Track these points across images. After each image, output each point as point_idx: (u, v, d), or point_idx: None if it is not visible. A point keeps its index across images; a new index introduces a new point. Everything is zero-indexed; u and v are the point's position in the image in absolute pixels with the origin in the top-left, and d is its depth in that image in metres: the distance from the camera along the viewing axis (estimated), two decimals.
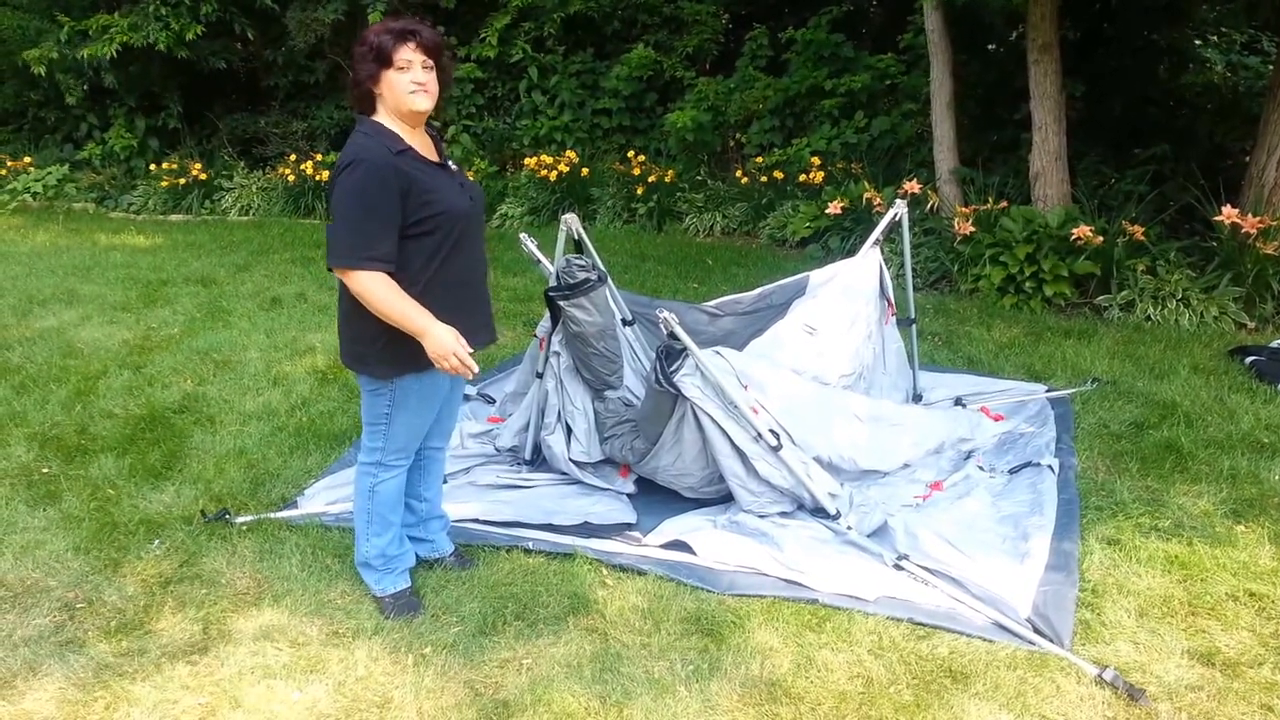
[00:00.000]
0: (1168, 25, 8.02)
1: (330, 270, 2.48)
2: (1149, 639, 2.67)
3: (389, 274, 2.45)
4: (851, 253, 6.69)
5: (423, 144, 2.60)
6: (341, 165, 2.46)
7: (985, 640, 2.67)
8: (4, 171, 11.03)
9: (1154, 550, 3.10)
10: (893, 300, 4.19)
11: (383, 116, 2.56)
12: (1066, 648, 2.62)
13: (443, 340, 2.47)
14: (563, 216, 3.58)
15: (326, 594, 2.95)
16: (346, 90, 10.26)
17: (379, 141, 2.47)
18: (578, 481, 3.63)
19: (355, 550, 2.94)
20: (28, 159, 11.23)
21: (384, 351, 2.58)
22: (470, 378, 2.57)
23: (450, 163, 2.69)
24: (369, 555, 2.88)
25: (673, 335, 3.13)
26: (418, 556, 3.07)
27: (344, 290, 2.57)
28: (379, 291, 2.43)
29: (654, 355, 3.26)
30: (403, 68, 2.48)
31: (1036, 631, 2.69)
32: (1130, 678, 2.50)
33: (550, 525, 3.30)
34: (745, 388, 3.27)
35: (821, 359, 3.72)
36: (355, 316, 2.58)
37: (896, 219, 4.13)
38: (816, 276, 4.08)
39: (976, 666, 2.56)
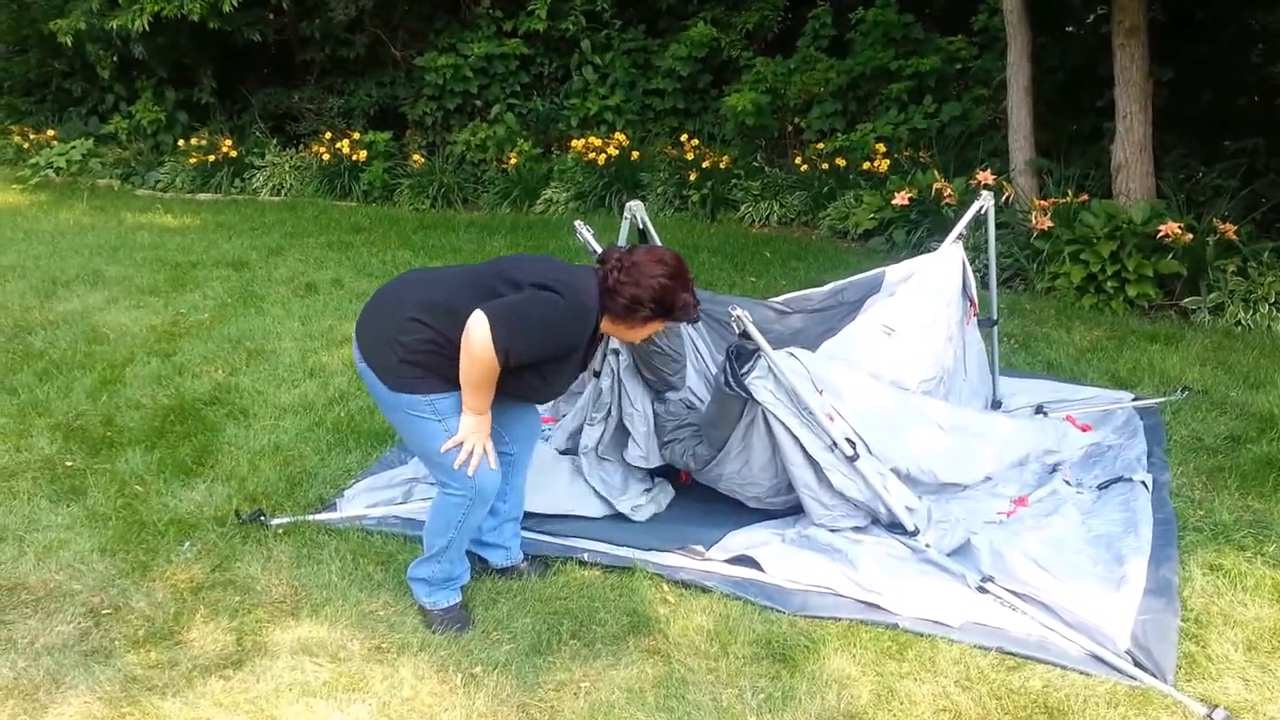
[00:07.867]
0: (1264, 9, 7.57)
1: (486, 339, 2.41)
2: (1259, 675, 2.47)
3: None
4: (918, 247, 6.47)
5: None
6: (561, 279, 2.51)
7: (1081, 673, 2.49)
8: (26, 145, 10.62)
9: (1260, 577, 2.88)
10: (975, 299, 3.94)
11: (606, 299, 2.56)
12: (1170, 683, 2.43)
13: (479, 428, 2.55)
14: (628, 204, 3.43)
15: (369, 605, 2.81)
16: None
17: (596, 308, 2.57)
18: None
19: (413, 564, 2.78)
20: (51, 132, 10.75)
21: (428, 359, 2.52)
22: (469, 474, 2.58)
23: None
24: (432, 573, 2.73)
25: (744, 334, 2.94)
26: (491, 565, 2.95)
27: (408, 302, 2.54)
28: (487, 373, 2.46)
29: (723, 355, 3.09)
30: (662, 329, 2.75)
31: (1137, 665, 2.50)
32: (1241, 719, 2.31)
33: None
34: (820, 392, 3.07)
35: (901, 362, 3.49)
36: (412, 325, 2.52)
37: (983, 212, 3.87)
38: (893, 273, 3.84)
39: (1074, 703, 2.38)
